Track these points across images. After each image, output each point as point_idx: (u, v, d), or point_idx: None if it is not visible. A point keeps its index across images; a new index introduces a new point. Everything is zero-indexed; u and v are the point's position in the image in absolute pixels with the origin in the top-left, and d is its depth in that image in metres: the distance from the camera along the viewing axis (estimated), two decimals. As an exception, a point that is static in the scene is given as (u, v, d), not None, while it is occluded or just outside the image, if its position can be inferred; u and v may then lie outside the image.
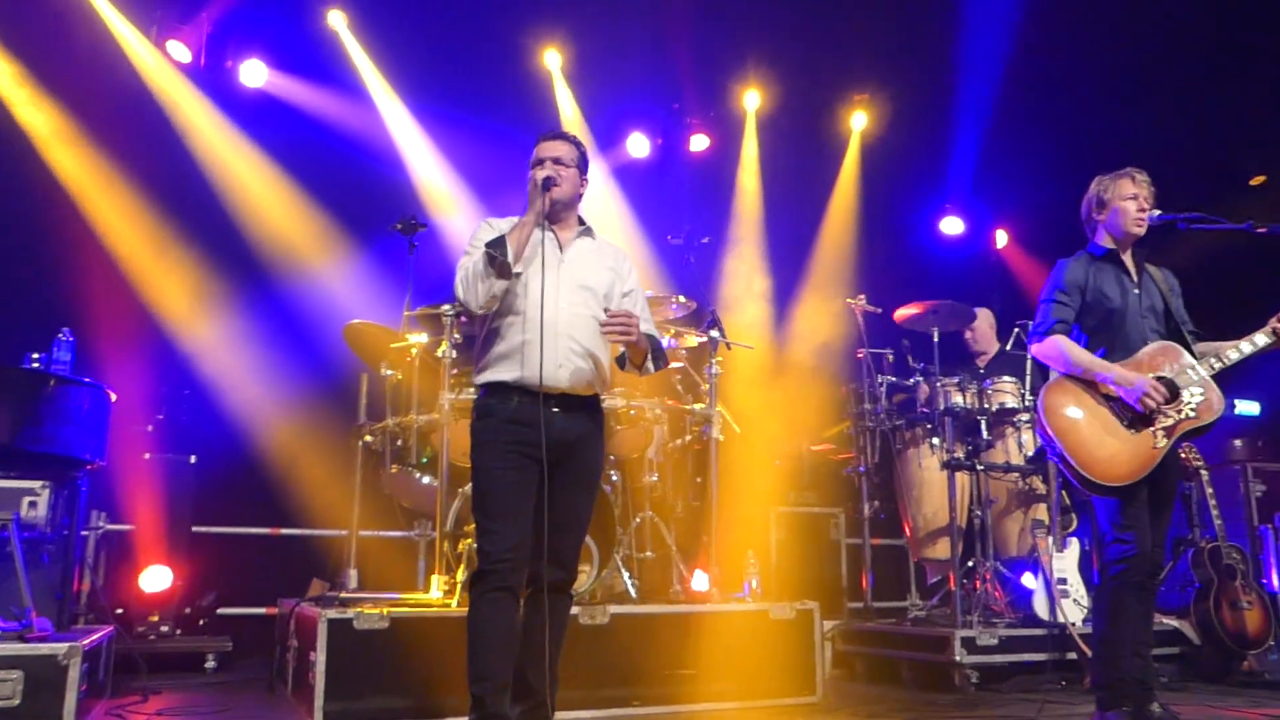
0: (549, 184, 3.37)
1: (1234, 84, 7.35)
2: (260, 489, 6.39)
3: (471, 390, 3.81)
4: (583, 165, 3.57)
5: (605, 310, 3.42)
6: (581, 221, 3.62)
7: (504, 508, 3.27)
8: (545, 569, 3.32)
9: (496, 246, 3.28)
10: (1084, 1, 7.17)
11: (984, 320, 6.46)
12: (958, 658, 4.95)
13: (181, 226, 6.64)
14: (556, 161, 3.47)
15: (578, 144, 3.57)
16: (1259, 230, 3.70)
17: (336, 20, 7.32)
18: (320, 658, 3.91)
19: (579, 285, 3.43)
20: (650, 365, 3.49)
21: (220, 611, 5.96)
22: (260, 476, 6.40)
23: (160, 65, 6.92)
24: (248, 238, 6.88)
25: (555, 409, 3.34)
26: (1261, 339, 3.74)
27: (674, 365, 6.12)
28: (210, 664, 5.57)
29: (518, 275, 3.34)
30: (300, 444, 6.44)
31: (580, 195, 3.58)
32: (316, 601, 4.73)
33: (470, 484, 3.46)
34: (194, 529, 5.96)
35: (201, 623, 5.74)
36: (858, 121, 8.76)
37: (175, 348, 6.53)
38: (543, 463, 3.26)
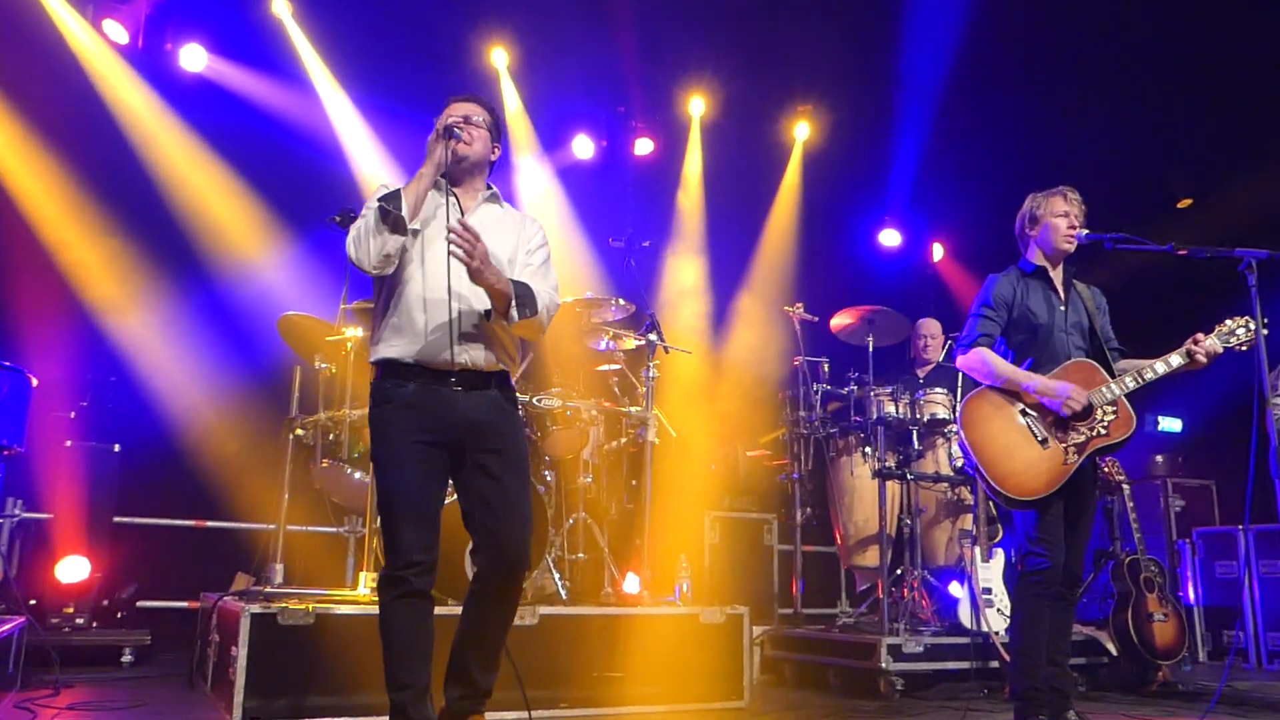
0: (451, 132, 3.13)
1: (1166, 109, 7.56)
2: (187, 480, 6.28)
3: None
4: (495, 131, 3.34)
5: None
6: (489, 188, 3.39)
7: (411, 507, 3.05)
8: (487, 565, 3.13)
9: (390, 200, 3.04)
10: (1024, 22, 7.32)
11: (938, 328, 6.56)
12: (884, 664, 5.01)
13: (113, 211, 6.50)
14: (466, 120, 3.23)
15: (492, 109, 3.34)
16: (1180, 252, 3.81)
17: (281, 8, 7.21)
18: (242, 653, 3.84)
19: None
20: (514, 313, 3.09)
21: (140, 604, 5.82)
22: (187, 467, 6.29)
23: (96, 45, 6.76)
24: (182, 225, 6.75)
25: (458, 387, 3.11)
26: (1176, 359, 3.85)
27: (611, 368, 6.13)
28: (127, 658, 5.43)
29: (415, 233, 3.10)
30: (230, 435, 6.34)
31: (491, 162, 3.36)
32: (240, 596, 4.64)
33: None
34: (116, 519, 5.82)
35: (120, 615, 5.60)
36: (800, 131, 8.85)
37: (103, 335, 6.39)
38: (454, 446, 3.08)
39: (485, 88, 7.91)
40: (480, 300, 3.11)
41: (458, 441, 3.10)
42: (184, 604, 6.02)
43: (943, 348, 6.55)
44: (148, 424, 6.24)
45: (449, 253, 2.98)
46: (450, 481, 3.22)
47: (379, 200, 3.05)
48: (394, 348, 3.11)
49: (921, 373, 6.48)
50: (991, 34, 7.34)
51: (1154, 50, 7.32)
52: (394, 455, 3.07)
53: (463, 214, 3.22)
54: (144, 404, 6.31)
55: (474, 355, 3.12)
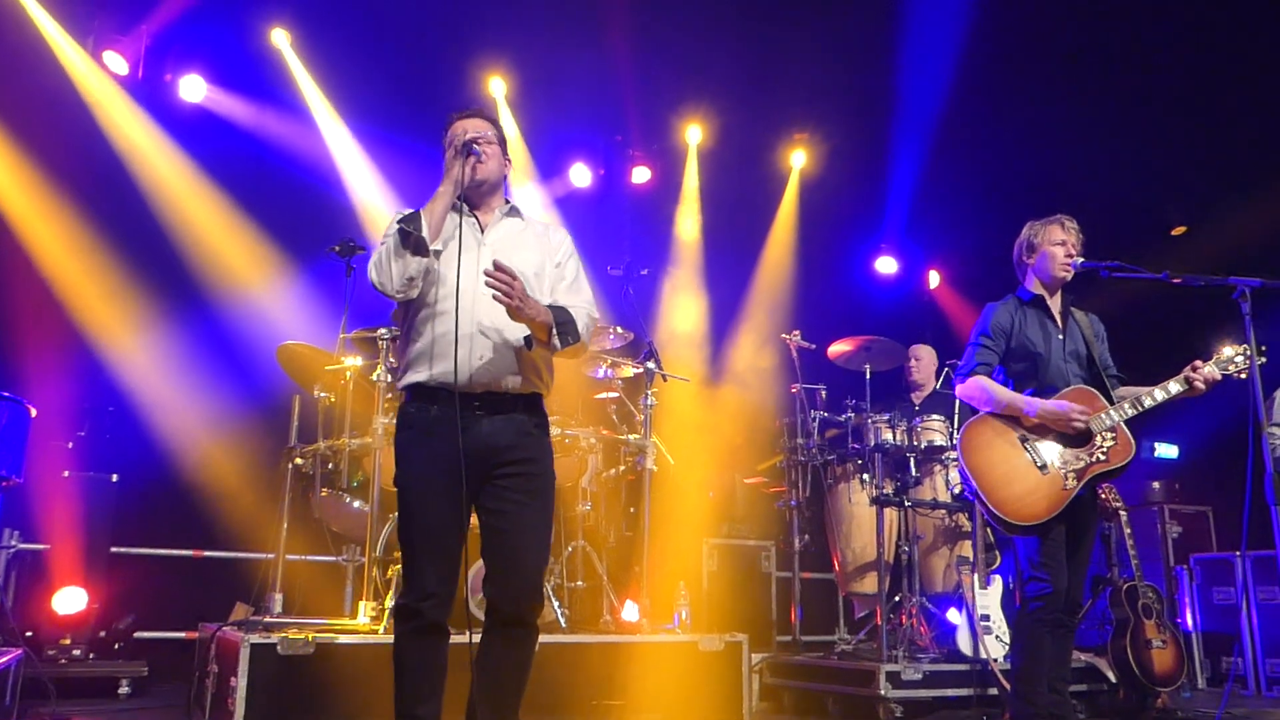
0: (470, 149, 3.06)
1: (1160, 137, 7.63)
2: (185, 510, 6.25)
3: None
4: (504, 146, 3.28)
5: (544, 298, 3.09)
6: (507, 202, 3.30)
7: (429, 538, 2.97)
8: (498, 597, 3.00)
9: (410, 221, 2.97)
10: (1018, 51, 7.40)
11: (928, 354, 6.59)
12: (882, 691, 5.00)
13: (113, 241, 6.52)
14: (479, 139, 3.15)
15: (497, 124, 3.28)
16: (1174, 280, 3.85)
17: (280, 39, 7.27)
18: (241, 683, 3.82)
19: None
20: (556, 342, 3.00)
21: (138, 635, 5.78)
22: (185, 497, 6.27)
23: (96, 76, 6.80)
24: (181, 255, 6.77)
25: (480, 411, 3.00)
26: (1174, 386, 3.88)
27: (609, 395, 6.14)
28: (124, 689, 5.39)
29: (437, 253, 3.02)
30: (228, 465, 6.33)
31: (505, 178, 3.28)
32: (239, 626, 4.63)
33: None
34: (113, 550, 5.81)
35: (117, 646, 5.56)
36: (797, 160, 8.91)
37: (101, 364, 6.38)
38: (477, 473, 2.96)
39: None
40: (506, 321, 2.99)
41: (479, 467, 2.98)
42: (182, 634, 5.98)
43: (934, 371, 6.58)
44: (146, 454, 6.23)
45: (485, 289, 2.89)
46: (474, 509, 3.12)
47: (399, 223, 2.99)
48: (418, 373, 3.03)
49: (916, 398, 6.50)
50: (987, 63, 7.41)
51: (1148, 79, 7.40)
52: (416, 482, 3.00)
53: (482, 232, 3.15)
54: (142, 434, 6.30)
55: (498, 378, 3.01)
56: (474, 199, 3.17)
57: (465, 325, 2.97)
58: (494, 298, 2.87)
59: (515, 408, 3.06)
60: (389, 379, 4.81)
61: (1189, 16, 6.89)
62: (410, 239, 2.95)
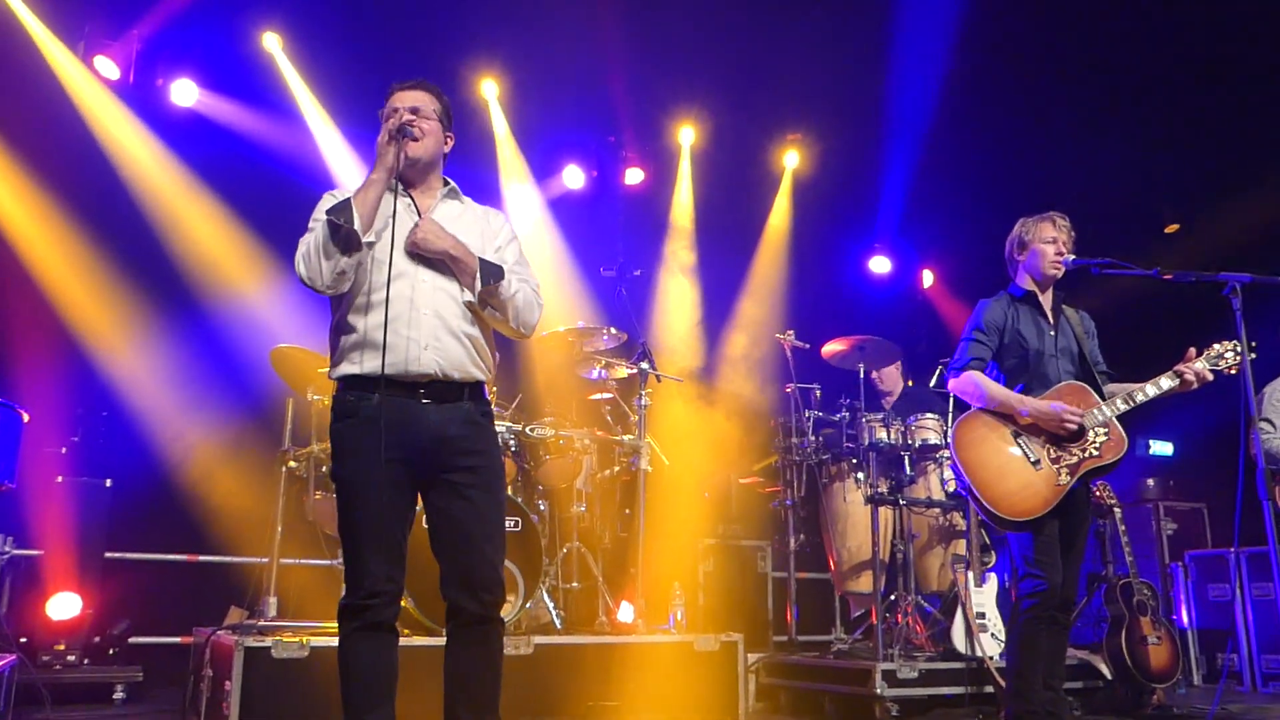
0: (405, 132, 2.91)
1: (1153, 135, 7.66)
2: (179, 514, 6.24)
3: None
4: (447, 119, 3.11)
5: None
6: (446, 183, 3.14)
7: (374, 533, 2.81)
8: (456, 595, 2.86)
9: (339, 213, 2.79)
10: (1010, 51, 7.42)
11: (892, 367, 6.63)
12: (879, 690, 4.99)
13: (105, 246, 6.50)
14: (414, 112, 2.98)
15: (440, 95, 3.10)
16: (1165, 276, 3.86)
17: (271, 43, 7.25)
18: (235, 687, 3.82)
19: None
20: (478, 282, 2.91)
21: (132, 641, 5.77)
22: (179, 501, 6.25)
23: (87, 81, 6.78)
24: (175, 259, 6.76)
25: (426, 400, 2.86)
26: (1166, 382, 3.89)
27: (604, 396, 6.14)
28: (119, 695, 5.38)
29: (369, 245, 2.85)
30: (222, 469, 6.31)
31: (444, 155, 3.12)
32: (234, 630, 4.62)
33: None
34: (107, 555, 5.79)
35: (112, 652, 5.54)
36: (790, 160, 8.92)
37: (95, 369, 6.36)
38: (423, 464, 2.84)
39: (476, 117, 7.97)
40: (446, 306, 2.91)
41: (426, 459, 2.85)
42: (177, 639, 5.96)
43: (901, 379, 6.61)
44: (139, 458, 6.21)
45: (408, 251, 2.86)
46: (419, 504, 2.99)
47: (327, 214, 2.83)
48: (355, 363, 2.87)
49: (887, 403, 6.53)
50: (979, 63, 7.43)
51: (1140, 78, 7.43)
52: (357, 475, 2.83)
53: (419, 215, 2.99)
54: (136, 438, 6.29)
55: (442, 364, 2.88)
56: (410, 177, 3.04)
57: (407, 312, 2.86)
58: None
59: (461, 395, 2.93)
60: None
61: (1180, 16, 6.92)
62: (341, 232, 2.79)
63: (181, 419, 6.40)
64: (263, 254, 6.96)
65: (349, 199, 2.85)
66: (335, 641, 4.02)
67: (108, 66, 6.83)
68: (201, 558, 6.37)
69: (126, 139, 6.82)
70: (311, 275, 2.83)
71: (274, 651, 3.91)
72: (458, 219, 3.07)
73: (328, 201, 2.94)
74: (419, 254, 2.91)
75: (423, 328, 2.86)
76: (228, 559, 6.34)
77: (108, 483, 5.76)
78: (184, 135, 6.99)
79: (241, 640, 3.91)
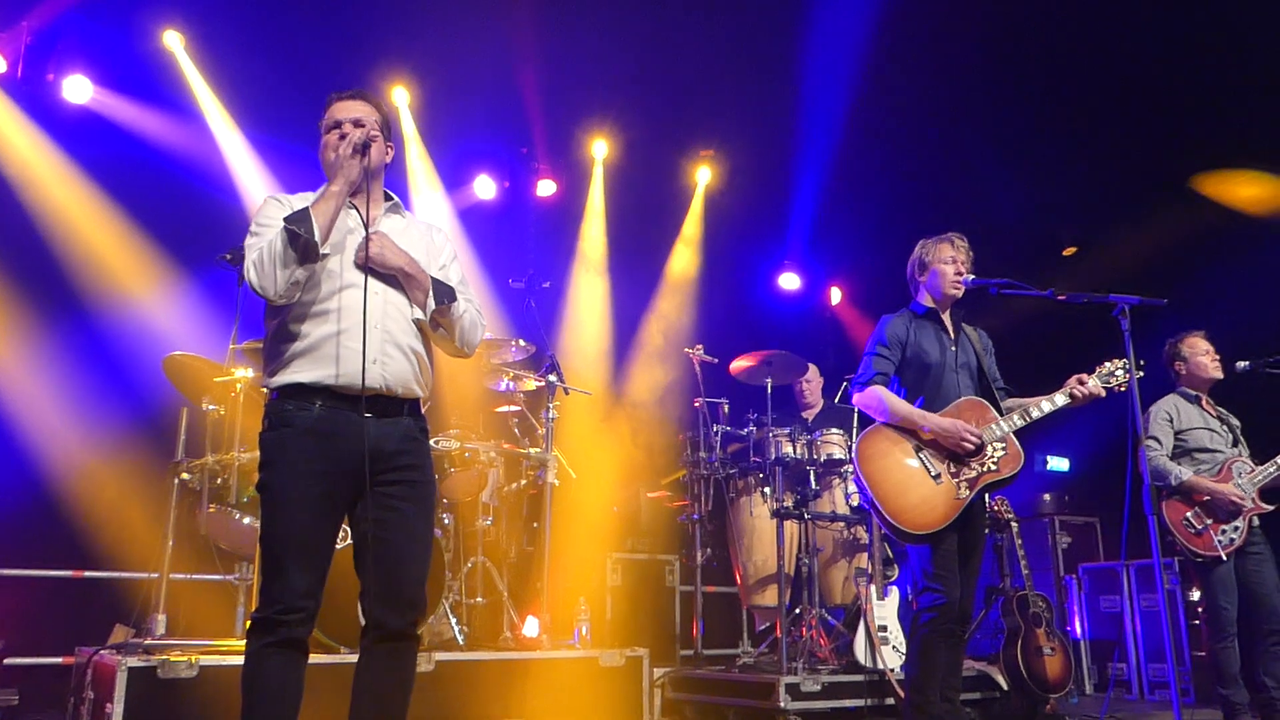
0: (367, 148, 2.91)
1: (1053, 161, 7.91)
2: (62, 528, 5.96)
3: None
4: (387, 130, 3.12)
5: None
6: (389, 196, 3.13)
7: (301, 545, 2.73)
8: (380, 610, 2.80)
9: (299, 222, 2.75)
10: (920, 73, 7.59)
11: (815, 374, 6.70)
12: (782, 704, 5.02)
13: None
14: (358, 124, 2.99)
15: (380, 105, 3.13)
16: (1059, 297, 3.98)
17: (172, 41, 7.02)
18: (117, 710, 3.65)
19: None
20: (431, 301, 2.93)
21: (8, 661, 5.49)
22: (63, 514, 5.98)
23: (-29, 73, 6.49)
24: (62, 262, 6.47)
25: (369, 414, 2.81)
26: (1060, 398, 4.00)
27: (511, 409, 6.08)
28: (-6, 719, 5.13)
29: (325, 257, 2.82)
30: (110, 480, 6.06)
31: (385, 164, 3.11)
32: (118, 649, 4.42)
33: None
34: (-16, 571, 5.51)
35: (-13, 674, 5.29)
36: (702, 175, 8.97)
37: (-27, 375, 6.07)
38: (358, 479, 2.76)
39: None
40: (395, 321, 2.90)
41: (361, 473, 2.77)
42: (57, 660, 5.68)
43: (822, 390, 6.69)
44: (20, 470, 5.93)
45: (357, 264, 2.84)
46: (346, 520, 2.92)
47: (286, 222, 2.77)
48: (298, 372, 2.82)
49: (808, 415, 6.60)
50: (889, 84, 7.58)
51: (1044, 106, 7.67)
52: (288, 485, 2.75)
53: (368, 227, 2.96)
54: (14, 447, 6.00)
55: (388, 378, 2.86)
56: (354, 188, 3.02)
57: (355, 325, 2.83)
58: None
59: (401, 411, 2.92)
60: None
61: (1083, 46, 7.16)
62: (299, 242, 2.75)
63: (67, 429, 6.13)
64: (158, 259, 6.71)
65: (307, 209, 2.81)
66: (226, 660, 3.91)
67: (-6, 59, 6.54)
68: (86, 573, 6.09)
69: (12, 135, 6.52)
70: (264, 284, 2.78)
71: (159, 672, 3.75)
72: (403, 233, 3.05)
73: (274, 207, 2.91)
74: (368, 267, 2.88)
75: (371, 341, 2.83)
76: (114, 574, 6.08)
77: (-15, 495, 5.49)
78: (76, 134, 6.70)
79: (125, 660, 3.74)
